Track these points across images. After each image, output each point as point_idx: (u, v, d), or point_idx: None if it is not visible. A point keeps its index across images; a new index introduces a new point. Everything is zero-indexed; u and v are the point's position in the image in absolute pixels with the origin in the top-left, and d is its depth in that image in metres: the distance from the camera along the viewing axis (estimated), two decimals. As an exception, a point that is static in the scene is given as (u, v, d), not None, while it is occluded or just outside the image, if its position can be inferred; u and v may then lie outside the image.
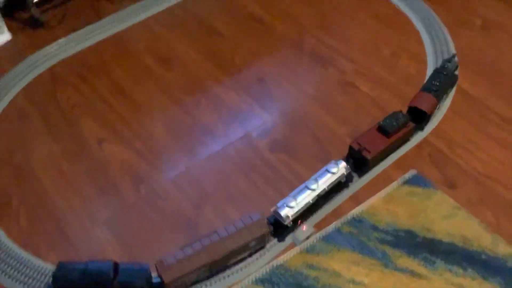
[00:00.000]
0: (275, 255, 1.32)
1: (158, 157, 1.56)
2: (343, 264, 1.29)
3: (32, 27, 2.03)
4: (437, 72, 1.66)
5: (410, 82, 1.72)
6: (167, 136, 1.62)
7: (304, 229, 1.36)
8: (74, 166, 1.55)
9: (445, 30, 1.90)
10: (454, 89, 1.69)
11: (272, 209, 1.32)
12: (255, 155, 1.55)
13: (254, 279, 1.27)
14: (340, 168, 1.39)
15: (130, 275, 1.21)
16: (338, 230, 1.35)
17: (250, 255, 1.31)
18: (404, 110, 1.54)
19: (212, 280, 1.28)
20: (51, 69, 1.85)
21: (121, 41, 1.95)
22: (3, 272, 1.31)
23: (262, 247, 1.33)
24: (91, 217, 1.42)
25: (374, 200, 1.41)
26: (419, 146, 1.54)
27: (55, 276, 1.19)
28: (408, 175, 1.47)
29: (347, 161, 1.43)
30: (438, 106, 1.62)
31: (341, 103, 1.68)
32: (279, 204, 1.32)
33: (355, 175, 1.47)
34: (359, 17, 2.00)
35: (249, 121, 1.65)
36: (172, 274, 1.20)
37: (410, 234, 1.34)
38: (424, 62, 1.79)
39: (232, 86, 1.76)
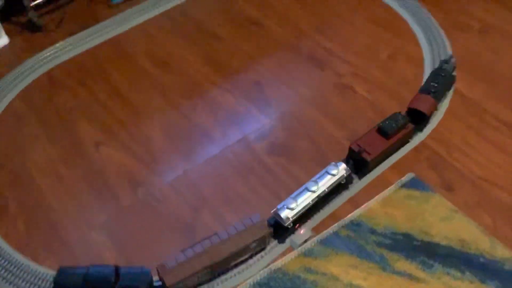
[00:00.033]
0: (273, 259, 1.32)
1: (155, 160, 1.56)
2: (341, 267, 1.28)
3: (29, 31, 2.03)
4: (435, 73, 1.66)
5: (408, 85, 1.72)
6: (164, 139, 1.62)
7: (302, 232, 1.36)
8: (71, 170, 1.54)
9: (443, 33, 1.90)
10: (452, 92, 1.69)
11: (272, 211, 1.33)
12: (252, 158, 1.55)
13: (252, 283, 1.26)
14: (340, 170, 1.39)
15: (132, 279, 1.21)
16: (336, 234, 1.35)
17: (251, 257, 1.32)
18: (402, 113, 1.55)
19: (210, 284, 1.27)
20: (49, 73, 1.85)
21: (119, 45, 1.95)
22: (0, 276, 1.30)
23: (263, 249, 1.33)
24: (88, 221, 1.42)
25: (372, 203, 1.41)
26: (416, 149, 1.54)
27: (56, 281, 1.19)
28: (405, 178, 1.46)
29: (347, 162, 1.44)
30: (437, 107, 1.62)
31: (338, 106, 1.68)
32: (279, 206, 1.32)
33: (355, 176, 1.47)
34: (356, 20, 2.00)
35: (247, 124, 1.65)
36: (174, 277, 1.20)
37: (408, 237, 1.34)
38: (421, 65, 1.79)
39: (230, 89, 1.76)
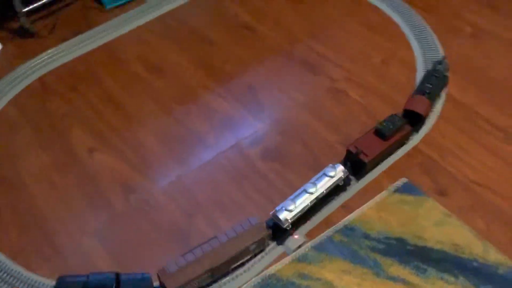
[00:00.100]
0: (266, 265, 1.32)
1: (149, 166, 1.56)
2: (335, 273, 1.28)
3: (22, 37, 2.02)
4: (428, 74, 1.67)
5: (401, 89, 1.73)
6: (158, 145, 1.62)
7: (295, 238, 1.36)
8: (64, 176, 1.54)
9: (435, 38, 1.91)
10: (444, 96, 1.70)
11: (271, 213, 1.33)
12: (246, 164, 1.55)
13: (245, 289, 1.26)
14: (337, 172, 1.39)
15: (133, 286, 1.20)
16: (330, 239, 1.35)
17: (250, 259, 1.32)
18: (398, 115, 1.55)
19: (207, 289, 1.28)
20: (41, 79, 1.84)
21: (112, 51, 1.95)
22: (-8, 284, 1.30)
23: (262, 250, 1.33)
24: (81, 228, 1.41)
25: (366, 208, 1.41)
26: (410, 154, 1.55)
27: None
28: (399, 183, 1.47)
29: (344, 164, 1.44)
30: (432, 108, 1.63)
31: (331, 110, 1.69)
32: (277, 208, 1.33)
33: (352, 178, 1.48)
34: (349, 25, 2.00)
35: (241, 129, 1.65)
36: (175, 281, 1.20)
37: (402, 242, 1.34)
38: (414, 70, 1.80)
39: (223, 95, 1.76)
